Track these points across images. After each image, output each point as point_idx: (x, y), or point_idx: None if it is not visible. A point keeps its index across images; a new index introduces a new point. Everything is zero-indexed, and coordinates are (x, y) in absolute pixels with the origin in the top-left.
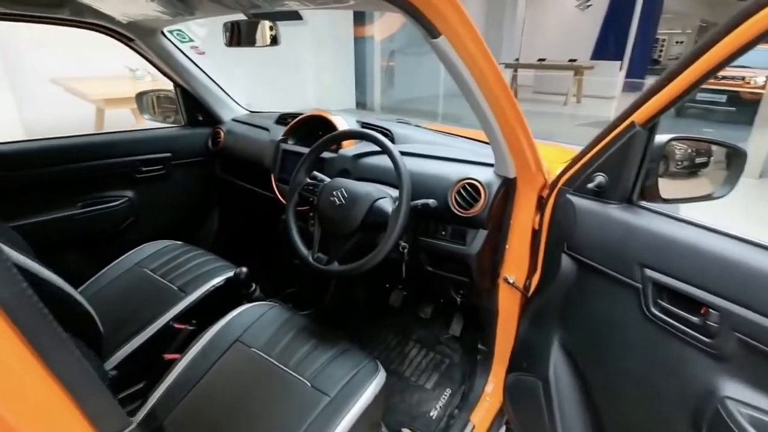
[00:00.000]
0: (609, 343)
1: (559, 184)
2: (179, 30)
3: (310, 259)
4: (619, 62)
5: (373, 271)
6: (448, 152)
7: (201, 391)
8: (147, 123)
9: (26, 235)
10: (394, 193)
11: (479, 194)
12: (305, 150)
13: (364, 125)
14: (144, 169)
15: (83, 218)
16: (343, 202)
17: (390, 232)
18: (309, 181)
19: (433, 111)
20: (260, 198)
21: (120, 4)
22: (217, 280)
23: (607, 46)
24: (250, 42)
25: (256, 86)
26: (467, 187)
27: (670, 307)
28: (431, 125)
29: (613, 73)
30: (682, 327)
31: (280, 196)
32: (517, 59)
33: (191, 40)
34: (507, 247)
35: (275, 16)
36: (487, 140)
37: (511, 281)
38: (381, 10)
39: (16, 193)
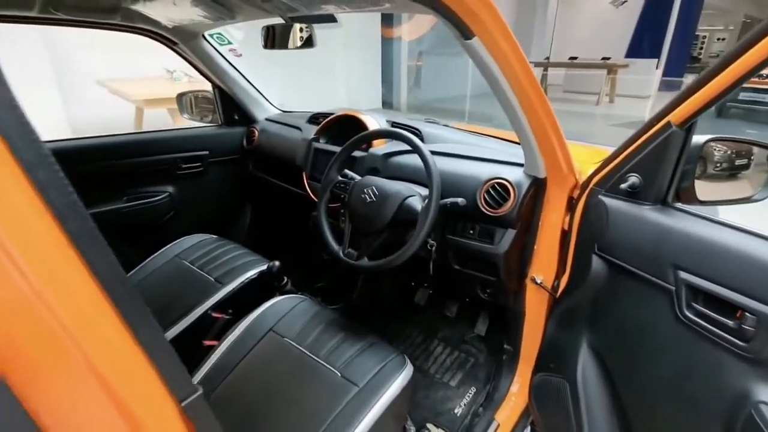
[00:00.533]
0: (640, 346)
1: (591, 185)
2: (219, 33)
3: (341, 254)
4: (656, 60)
5: (400, 268)
6: (477, 152)
7: (239, 375)
8: (182, 122)
9: None
10: (424, 191)
11: (508, 194)
12: (336, 149)
13: (395, 125)
14: (184, 165)
15: (128, 211)
16: (374, 199)
17: (419, 229)
18: (340, 178)
19: (459, 110)
20: (291, 195)
21: (167, 9)
22: (252, 273)
23: (642, 44)
24: (286, 44)
25: (287, 87)
26: (496, 186)
27: (704, 310)
28: (459, 125)
29: (649, 72)
30: (717, 330)
31: (311, 194)
32: (547, 57)
33: (230, 43)
34: (535, 247)
35: (311, 20)
36: (516, 140)
37: (539, 281)
38: (415, 12)
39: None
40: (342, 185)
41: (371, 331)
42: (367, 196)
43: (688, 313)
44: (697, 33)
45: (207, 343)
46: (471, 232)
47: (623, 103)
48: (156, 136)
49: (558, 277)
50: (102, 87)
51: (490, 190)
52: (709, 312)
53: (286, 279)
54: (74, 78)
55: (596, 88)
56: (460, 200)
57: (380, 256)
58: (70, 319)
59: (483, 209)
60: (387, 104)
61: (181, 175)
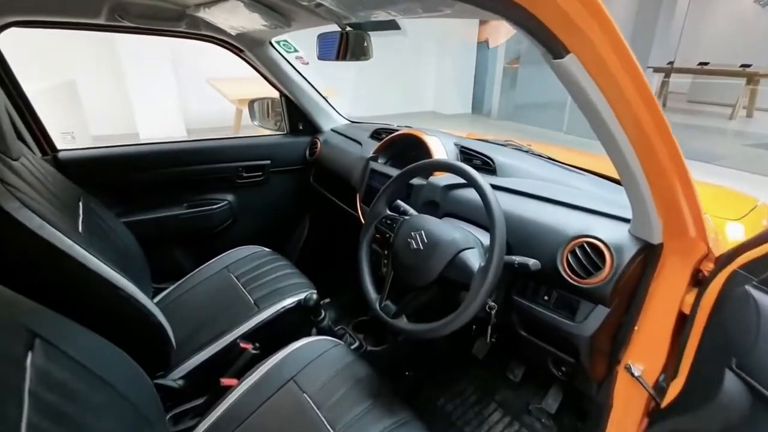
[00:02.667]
0: None
1: (734, 265)
2: (285, 41)
3: (377, 306)
4: None
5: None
6: (565, 194)
7: (247, 430)
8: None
9: (137, 231)
10: (487, 239)
11: (603, 260)
12: (394, 172)
13: (463, 150)
14: (245, 174)
15: (188, 218)
16: (421, 247)
17: (472, 296)
18: (389, 213)
19: (557, 119)
20: (347, 215)
21: (226, 17)
22: (289, 301)
23: None
24: (338, 55)
25: (373, 91)
26: (586, 247)
27: None
28: (549, 148)
29: None
30: None
31: (362, 218)
32: (670, 62)
33: (296, 50)
34: (636, 327)
35: (369, 27)
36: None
37: (636, 373)
38: (482, 18)
39: (132, 192)
40: (389, 222)
41: (405, 403)
42: (413, 242)
43: None
44: None
45: (225, 382)
46: (546, 298)
47: (765, 118)
48: (220, 144)
49: (666, 372)
50: (209, 86)
51: (577, 250)
52: None
53: (323, 314)
54: (190, 77)
55: (730, 99)
56: (531, 263)
57: (422, 318)
58: None
59: (565, 275)
60: (477, 110)
61: (241, 184)
